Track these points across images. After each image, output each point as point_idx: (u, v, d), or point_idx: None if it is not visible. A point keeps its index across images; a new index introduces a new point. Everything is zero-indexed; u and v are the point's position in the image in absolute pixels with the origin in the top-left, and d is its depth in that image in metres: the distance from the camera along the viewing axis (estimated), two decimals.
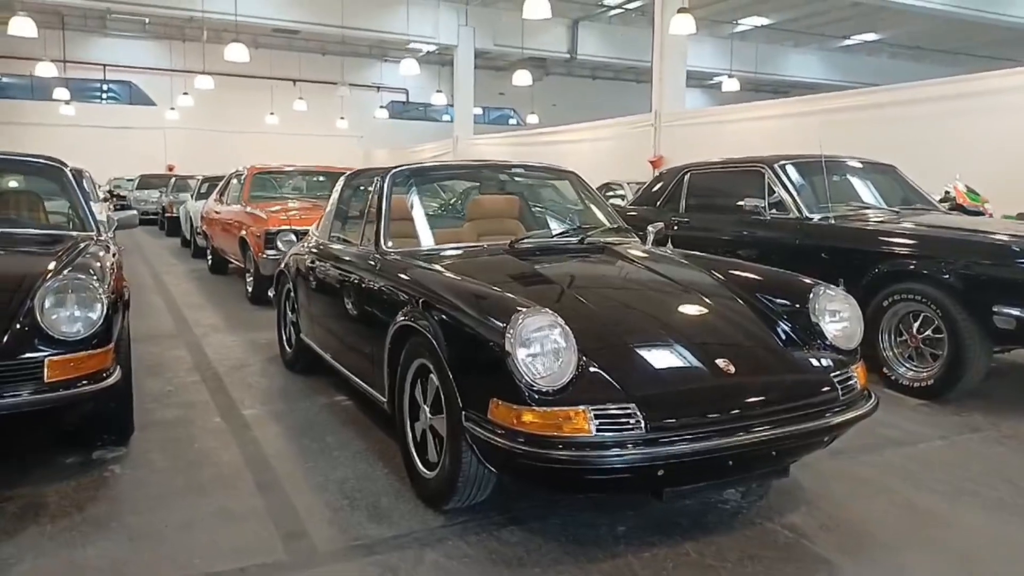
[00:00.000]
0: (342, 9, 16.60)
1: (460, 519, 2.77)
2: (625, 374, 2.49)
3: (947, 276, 4.16)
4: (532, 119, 25.01)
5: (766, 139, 10.73)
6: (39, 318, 2.81)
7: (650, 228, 4.15)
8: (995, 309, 3.97)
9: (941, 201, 6.80)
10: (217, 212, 8.98)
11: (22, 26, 12.13)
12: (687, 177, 6.26)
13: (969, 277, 4.09)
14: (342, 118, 24.75)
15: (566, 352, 2.41)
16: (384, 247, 3.54)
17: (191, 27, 20.92)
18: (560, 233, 3.76)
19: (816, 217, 5.06)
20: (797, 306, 3.00)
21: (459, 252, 3.52)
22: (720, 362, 2.61)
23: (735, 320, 2.94)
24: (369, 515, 2.83)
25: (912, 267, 4.34)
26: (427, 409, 2.88)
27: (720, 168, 6.11)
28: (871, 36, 23.39)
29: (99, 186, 13.27)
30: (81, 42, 23.76)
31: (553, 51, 21.47)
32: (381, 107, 24.50)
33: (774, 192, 5.33)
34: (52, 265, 3.22)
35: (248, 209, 7.70)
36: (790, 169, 5.40)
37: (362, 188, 4.02)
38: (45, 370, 2.76)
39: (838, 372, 2.78)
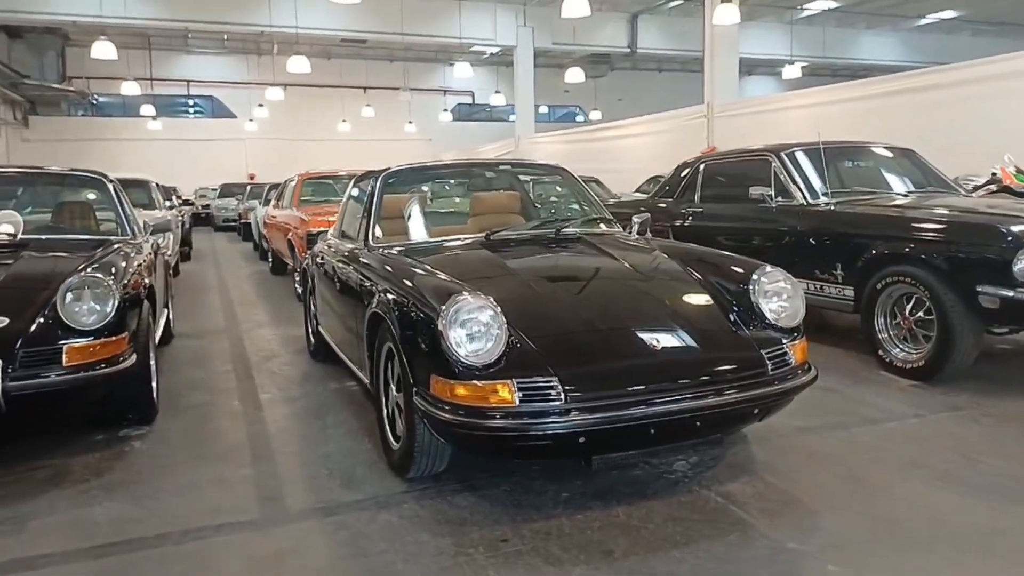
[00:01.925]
0: (401, 17, 17.14)
1: (421, 486, 3.05)
2: (553, 352, 2.72)
3: (934, 257, 4.19)
4: (595, 115, 25.07)
5: (819, 126, 10.56)
6: (60, 311, 3.24)
7: (635, 219, 4.34)
8: (979, 289, 3.98)
9: (988, 183, 6.67)
10: (273, 216, 9.55)
11: (104, 49, 13.13)
12: (702, 168, 6.37)
13: (953, 258, 4.11)
14: (410, 122, 25.44)
15: (495, 332, 2.66)
16: (371, 242, 3.86)
17: (264, 41, 21.94)
18: (537, 225, 3.98)
19: (818, 203, 5.12)
20: (743, 287, 3.15)
21: (437, 245, 3.80)
22: (649, 340, 2.81)
23: (680, 302, 3.13)
24: (342, 483, 3.15)
25: (901, 249, 4.38)
26: (393, 387, 3.18)
27: (732, 158, 6.19)
28: (949, 14, 22.44)
29: (174, 194, 14.19)
30: (167, 60, 25.22)
31: (612, 46, 21.48)
32: (445, 110, 25.04)
33: (780, 180, 5.40)
34: (80, 265, 3.67)
35: (295, 212, 8.19)
36: (796, 157, 5.44)
37: (365, 189, 4.36)
38: (63, 356, 3.19)
39: (771, 348, 2.93)
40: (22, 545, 2.67)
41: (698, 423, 2.75)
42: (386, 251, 3.71)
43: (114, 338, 3.37)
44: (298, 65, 14.49)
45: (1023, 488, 2.95)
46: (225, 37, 23.18)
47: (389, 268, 3.39)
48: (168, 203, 9.81)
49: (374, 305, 3.24)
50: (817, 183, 5.26)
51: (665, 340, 2.83)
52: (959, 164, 6.82)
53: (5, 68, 21.05)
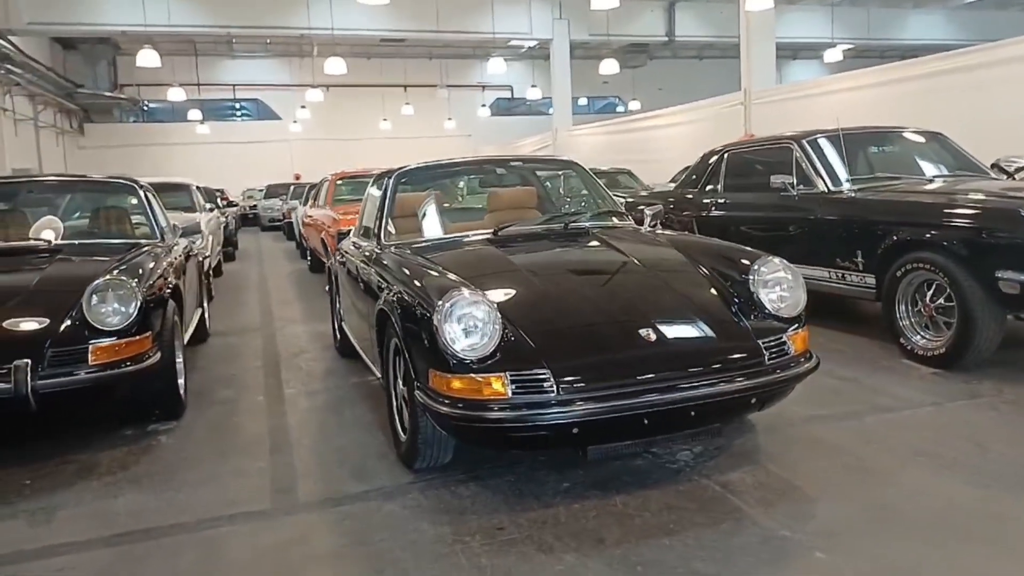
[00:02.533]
0: (437, 14, 17.26)
1: (427, 477, 3.13)
2: (548, 345, 2.77)
3: (953, 243, 4.12)
4: (634, 105, 24.89)
5: (860, 110, 10.33)
6: (86, 312, 3.41)
7: (647, 211, 4.34)
8: (998, 275, 3.90)
9: None
10: (309, 215, 9.77)
11: (148, 57, 13.57)
12: (726, 157, 6.32)
13: (972, 243, 4.03)
14: (449, 119, 25.61)
15: (490, 327, 2.72)
16: (383, 240, 3.96)
17: (306, 43, 22.30)
18: (547, 220, 4.02)
19: (839, 191, 5.05)
20: (744, 277, 3.16)
21: (446, 242, 3.88)
22: (643, 332, 2.84)
23: (681, 294, 3.14)
24: (353, 474, 3.25)
25: (920, 236, 4.31)
26: (400, 381, 3.26)
27: (754, 147, 6.13)
28: None
29: (219, 196, 14.59)
30: (213, 65, 25.84)
31: (650, 35, 21.29)
32: (483, 105, 25.13)
33: (802, 168, 5.34)
34: (109, 268, 3.83)
35: (328, 211, 8.37)
36: (818, 144, 5.38)
37: (380, 188, 4.45)
38: (90, 355, 3.35)
39: (769, 338, 2.94)
40: (50, 534, 2.83)
41: (693, 412, 2.77)
42: (396, 249, 3.79)
43: (138, 337, 3.53)
44: (335, 66, 14.74)
45: None
46: (268, 41, 23.66)
47: (395, 265, 3.47)
48: (209, 205, 10.06)
49: (381, 302, 3.33)
50: (839, 170, 5.19)
51: (661, 332, 2.85)
52: (1008, 145, 6.60)
53: (61, 79, 21.81)
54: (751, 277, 3.11)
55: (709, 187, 6.41)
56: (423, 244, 3.87)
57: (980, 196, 4.29)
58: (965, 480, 2.90)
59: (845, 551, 2.40)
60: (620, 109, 30.10)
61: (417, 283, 3.07)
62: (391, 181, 4.19)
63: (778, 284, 3.12)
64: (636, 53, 25.45)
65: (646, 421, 2.73)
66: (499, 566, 2.43)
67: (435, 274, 3.13)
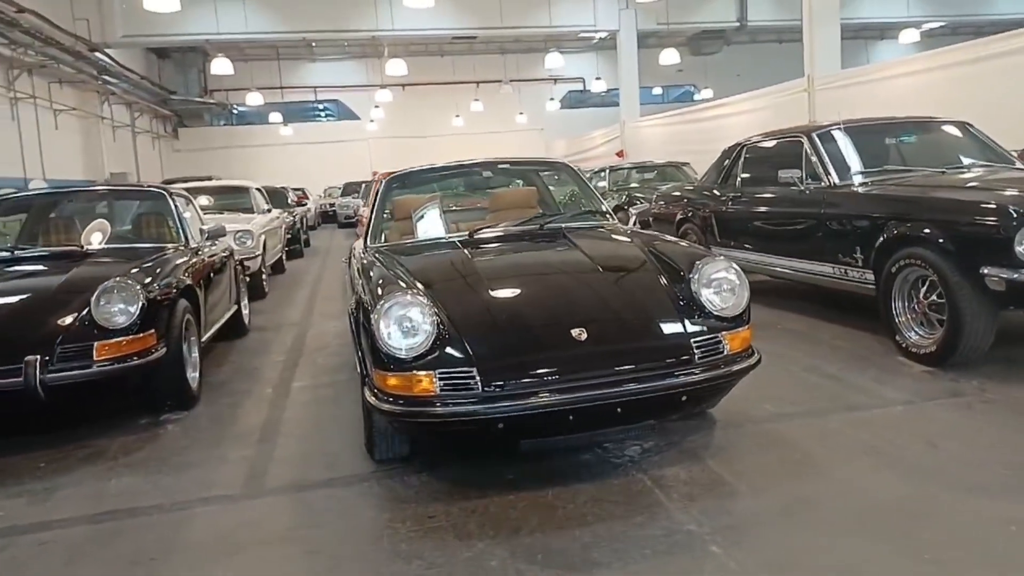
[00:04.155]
0: (501, 10, 17.47)
1: (388, 468, 3.34)
2: (480, 344, 2.92)
3: (940, 238, 4.03)
4: (706, 94, 24.44)
5: (930, 94, 9.95)
6: (93, 312, 3.78)
7: (632, 210, 4.43)
8: (984, 271, 3.81)
9: None
10: (360, 214, 10.15)
11: (222, 65, 14.36)
12: (743, 152, 6.27)
13: (958, 238, 3.94)
14: (520, 113, 25.82)
15: (423, 327, 2.90)
16: (368, 243, 4.19)
17: (381, 45, 22.94)
18: (523, 222, 4.14)
19: (846, 185, 4.97)
20: (687, 276, 3.22)
21: (422, 245, 4.07)
22: (575, 332, 2.95)
23: (625, 294, 3.25)
24: (325, 464, 3.49)
25: (911, 231, 4.22)
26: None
27: (769, 141, 6.06)
28: None
29: (293, 195, 15.30)
30: (295, 69, 26.91)
31: (721, 21, 20.88)
32: (551, 99, 25.20)
33: (811, 162, 5.28)
34: (124, 271, 4.20)
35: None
36: (827, 138, 5.29)
37: (376, 192, 4.68)
38: (95, 351, 3.72)
39: (703, 337, 3.01)
40: (45, 511, 3.18)
41: (619, 409, 2.87)
42: (377, 252, 4.01)
43: (142, 335, 3.88)
44: (397, 68, 15.18)
45: (969, 475, 2.87)
46: (346, 44, 24.46)
47: (366, 268, 3.69)
48: (267, 206, 10.58)
49: (352, 302, 3.56)
50: (847, 164, 5.10)
51: (592, 331, 2.96)
52: None
53: (155, 86, 23.20)
54: (693, 276, 3.17)
55: (728, 182, 6.37)
56: (401, 247, 4.07)
57: (972, 189, 4.17)
58: (900, 478, 2.90)
59: (741, 545, 2.47)
60: (698, 97, 29.59)
61: (369, 285, 3.28)
62: (382, 186, 4.41)
63: (720, 284, 3.16)
64: (711, 40, 24.98)
65: (571, 417, 2.85)
66: (415, 550, 2.62)
67: (387, 277, 3.33)
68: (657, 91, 27.97)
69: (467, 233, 4.04)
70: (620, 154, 18.57)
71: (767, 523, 2.62)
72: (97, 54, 17.39)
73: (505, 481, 3.12)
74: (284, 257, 11.31)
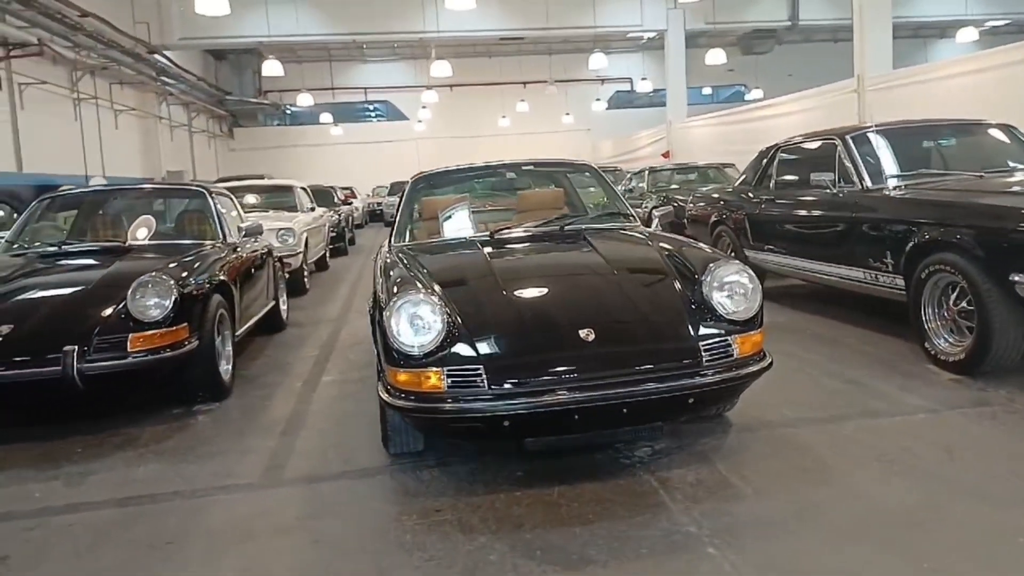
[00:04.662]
0: (547, 12, 17.51)
1: (402, 462, 3.42)
2: (488, 343, 2.98)
3: (969, 244, 3.94)
4: (756, 94, 24.07)
5: (988, 94, 9.65)
6: (129, 305, 3.94)
7: (655, 213, 4.43)
8: (1013, 277, 3.71)
9: None
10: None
11: (273, 67, 14.73)
12: (777, 154, 6.19)
13: (987, 244, 3.85)
14: (567, 114, 25.80)
15: (434, 325, 2.96)
16: (393, 242, 4.27)
17: (429, 46, 23.20)
18: (544, 223, 4.17)
19: (878, 188, 4.89)
20: (700, 279, 3.22)
21: (443, 245, 4.14)
22: (583, 332, 2.98)
23: (637, 296, 3.26)
24: (342, 456, 3.59)
25: (941, 236, 4.13)
26: None
27: (803, 143, 5.97)
28: None
29: (340, 194, 15.61)
30: (346, 70, 27.37)
31: (771, 20, 20.56)
32: (597, 99, 25.13)
33: (844, 165, 5.20)
34: (160, 266, 4.36)
35: None
36: (862, 140, 5.20)
37: (402, 192, 4.77)
38: (129, 343, 3.88)
39: (711, 340, 3.01)
40: (78, 494, 3.34)
41: (625, 410, 2.89)
42: (400, 251, 4.09)
43: (174, 328, 4.03)
44: (442, 69, 15.34)
45: (983, 485, 2.82)
46: (395, 45, 24.78)
47: (387, 267, 3.77)
48: (310, 205, 10.79)
49: (371, 301, 3.65)
50: (882, 167, 5.01)
51: (600, 332, 2.98)
52: None
53: (212, 87, 23.85)
54: (705, 279, 3.17)
55: (762, 185, 6.31)
56: (424, 246, 4.15)
57: (1000, 194, 4.06)
58: (911, 486, 2.86)
59: (738, 548, 2.48)
60: (749, 97, 29.17)
61: (387, 284, 3.36)
62: (408, 186, 4.50)
63: (732, 288, 3.15)
64: (762, 39, 24.58)
65: (576, 417, 2.88)
66: (418, 542, 2.68)
67: (405, 276, 3.40)
68: (707, 91, 27.66)
69: (488, 234, 4.09)
70: (666, 155, 18.44)
71: (768, 527, 2.61)
72: (156, 56, 17.97)
73: (515, 478, 3.17)
74: (327, 255, 11.51)
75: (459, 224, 4.39)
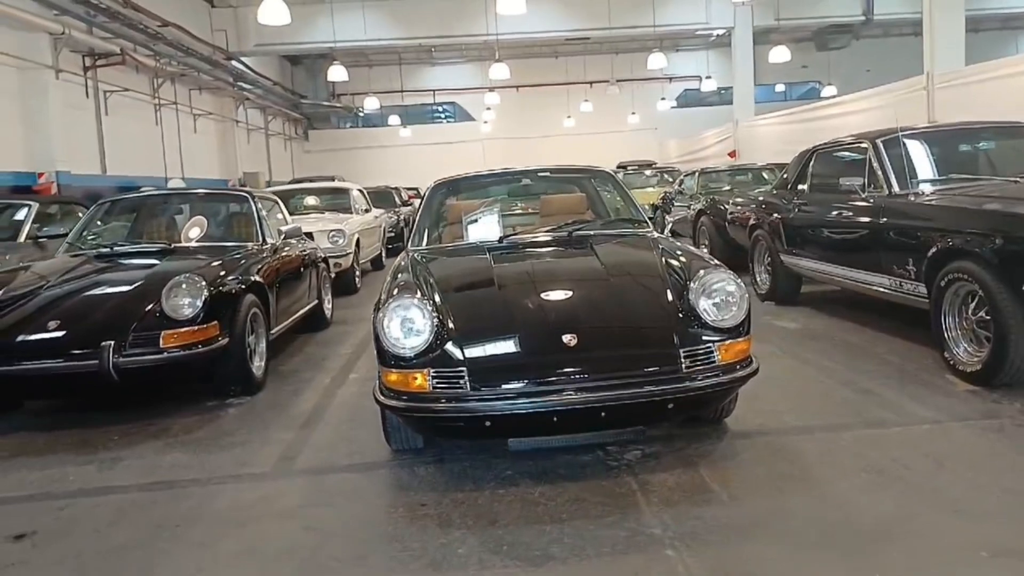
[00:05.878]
0: (608, 11, 17.48)
1: (403, 458, 3.58)
2: (473, 347, 3.11)
3: (986, 252, 3.85)
4: (830, 91, 23.40)
5: None
6: (163, 304, 4.24)
7: (668, 218, 4.46)
8: None
9: None
10: None
11: (337, 72, 15.22)
12: (813, 157, 6.11)
13: (1002, 252, 3.75)
14: (633, 113, 25.64)
15: (422, 328, 3.11)
16: (409, 246, 4.45)
17: (495, 48, 23.46)
18: (553, 228, 4.27)
19: (905, 194, 4.79)
20: (688, 286, 3.28)
21: (454, 249, 4.29)
22: (566, 337, 3.08)
23: (626, 303, 3.34)
24: (349, 450, 3.78)
25: (959, 244, 4.04)
26: None
27: (838, 147, 5.87)
28: None
29: (403, 196, 16.03)
30: (416, 73, 27.89)
31: (845, 15, 19.99)
32: (662, 99, 24.88)
33: (873, 169, 5.11)
34: (196, 266, 4.66)
35: None
36: (893, 144, 5.10)
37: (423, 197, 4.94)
38: (162, 339, 4.17)
39: (692, 347, 3.06)
40: (109, 478, 3.62)
41: (603, 414, 2.97)
42: (412, 255, 4.26)
43: (206, 325, 4.31)
44: (500, 72, 15.52)
45: (964, 498, 2.79)
46: (463, 47, 25.12)
47: (395, 270, 3.94)
48: (365, 206, 11.11)
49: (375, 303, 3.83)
50: (911, 172, 4.91)
51: (583, 337, 3.07)
52: None
53: (287, 91, 24.71)
54: (692, 286, 3.22)
55: (797, 188, 6.23)
56: (436, 251, 4.31)
57: (1020, 200, 3.95)
58: (890, 497, 2.85)
59: (696, 551, 2.53)
60: (825, 94, 28.35)
61: (389, 287, 3.52)
62: (427, 192, 4.67)
63: (717, 294, 3.19)
64: (837, 34, 23.90)
65: (555, 419, 2.99)
66: (398, 534, 2.83)
67: (407, 280, 3.56)
68: (780, 88, 27.03)
69: (499, 239, 4.21)
70: (732, 154, 18.15)
71: (733, 531, 2.66)
72: (233, 62, 18.76)
73: (503, 477, 3.29)
74: (383, 254, 11.83)
75: (476, 229, 4.52)
